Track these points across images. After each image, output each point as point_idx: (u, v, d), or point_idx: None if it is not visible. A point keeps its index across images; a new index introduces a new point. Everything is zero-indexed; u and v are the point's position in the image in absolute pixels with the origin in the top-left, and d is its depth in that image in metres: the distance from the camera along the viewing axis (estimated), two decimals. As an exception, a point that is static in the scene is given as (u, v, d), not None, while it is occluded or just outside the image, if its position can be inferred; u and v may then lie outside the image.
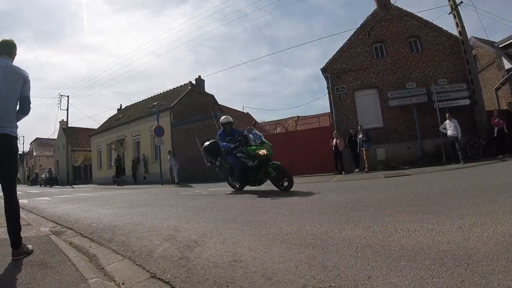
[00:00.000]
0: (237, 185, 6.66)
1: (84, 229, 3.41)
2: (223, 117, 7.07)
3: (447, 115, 9.46)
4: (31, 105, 2.34)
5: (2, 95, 2.13)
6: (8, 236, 2.15)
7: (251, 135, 6.22)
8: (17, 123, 2.28)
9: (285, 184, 5.87)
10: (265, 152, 5.84)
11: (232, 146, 6.18)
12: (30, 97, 2.32)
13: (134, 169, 19.17)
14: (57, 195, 10.62)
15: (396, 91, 11.33)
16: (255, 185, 6.39)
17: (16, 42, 2.42)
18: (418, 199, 3.58)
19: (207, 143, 7.24)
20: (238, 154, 6.11)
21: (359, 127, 10.57)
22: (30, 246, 2.29)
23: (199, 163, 15.33)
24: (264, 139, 6.23)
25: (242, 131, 6.79)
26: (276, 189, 5.96)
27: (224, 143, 6.36)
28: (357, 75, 12.14)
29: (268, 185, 6.30)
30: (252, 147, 5.97)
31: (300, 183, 8.49)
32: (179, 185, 12.25)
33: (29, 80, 2.29)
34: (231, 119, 6.93)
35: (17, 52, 2.41)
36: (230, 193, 6.43)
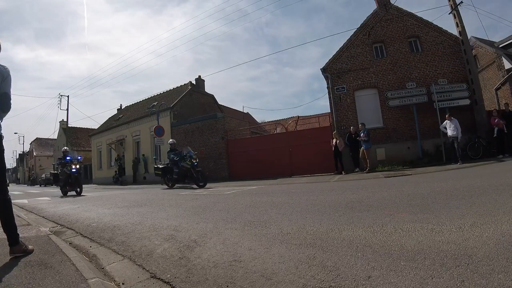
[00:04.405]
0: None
1: (84, 229, 3.41)
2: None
3: (447, 115, 9.45)
4: (11, 101, 2.20)
5: None
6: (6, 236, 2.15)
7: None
8: (3, 122, 2.18)
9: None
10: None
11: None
12: (11, 93, 2.18)
13: (134, 169, 19.17)
14: (57, 195, 10.62)
15: (396, 91, 11.33)
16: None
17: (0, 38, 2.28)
18: (418, 199, 3.58)
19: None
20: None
21: (360, 125, 10.55)
22: (30, 247, 2.29)
23: (199, 163, 15.35)
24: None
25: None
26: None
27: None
28: (357, 75, 12.13)
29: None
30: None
31: (300, 183, 8.49)
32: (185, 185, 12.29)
33: (8, 75, 2.16)
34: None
35: (1, 48, 2.26)
36: (230, 193, 6.44)
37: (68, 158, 9.79)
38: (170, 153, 10.51)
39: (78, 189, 9.33)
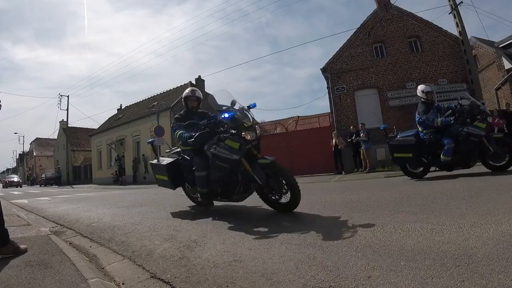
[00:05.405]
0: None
1: (84, 229, 3.41)
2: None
3: None
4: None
5: None
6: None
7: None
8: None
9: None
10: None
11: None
12: None
13: (134, 169, 19.18)
14: (57, 195, 10.62)
15: (396, 91, 11.35)
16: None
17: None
18: (418, 199, 3.57)
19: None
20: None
21: (360, 125, 10.56)
22: (23, 246, 2.23)
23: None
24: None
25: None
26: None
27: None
28: (357, 75, 12.15)
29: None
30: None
31: (300, 183, 8.48)
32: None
33: None
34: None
35: None
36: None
37: (225, 115, 3.31)
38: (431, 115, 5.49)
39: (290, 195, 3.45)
